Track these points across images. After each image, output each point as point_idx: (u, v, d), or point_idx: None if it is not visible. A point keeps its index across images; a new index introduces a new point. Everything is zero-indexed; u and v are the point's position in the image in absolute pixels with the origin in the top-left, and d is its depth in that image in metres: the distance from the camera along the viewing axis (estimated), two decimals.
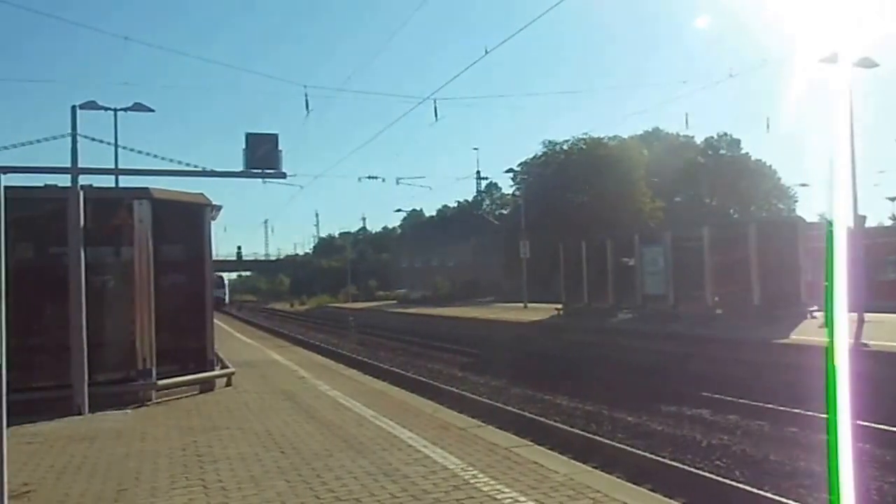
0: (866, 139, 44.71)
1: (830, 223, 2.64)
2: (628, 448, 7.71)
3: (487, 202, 72.41)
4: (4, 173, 4.29)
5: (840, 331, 2.19)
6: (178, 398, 8.47)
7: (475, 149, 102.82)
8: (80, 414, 7.39)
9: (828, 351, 2.08)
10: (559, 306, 22.92)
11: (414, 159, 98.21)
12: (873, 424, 7.79)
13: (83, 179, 7.72)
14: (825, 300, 2.20)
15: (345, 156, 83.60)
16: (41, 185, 8.32)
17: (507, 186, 60.48)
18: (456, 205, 71.06)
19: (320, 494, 4.47)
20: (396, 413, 7.24)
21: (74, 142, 7.40)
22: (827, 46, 14.15)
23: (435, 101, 16.00)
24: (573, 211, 35.20)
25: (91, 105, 17.45)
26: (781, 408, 9.30)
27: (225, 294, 57.69)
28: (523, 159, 43.44)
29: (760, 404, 9.65)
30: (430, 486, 4.55)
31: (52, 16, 25.61)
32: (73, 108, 7.75)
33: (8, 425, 4.08)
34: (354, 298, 53.44)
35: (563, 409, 10.78)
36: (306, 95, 19.44)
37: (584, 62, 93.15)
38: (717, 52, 69.54)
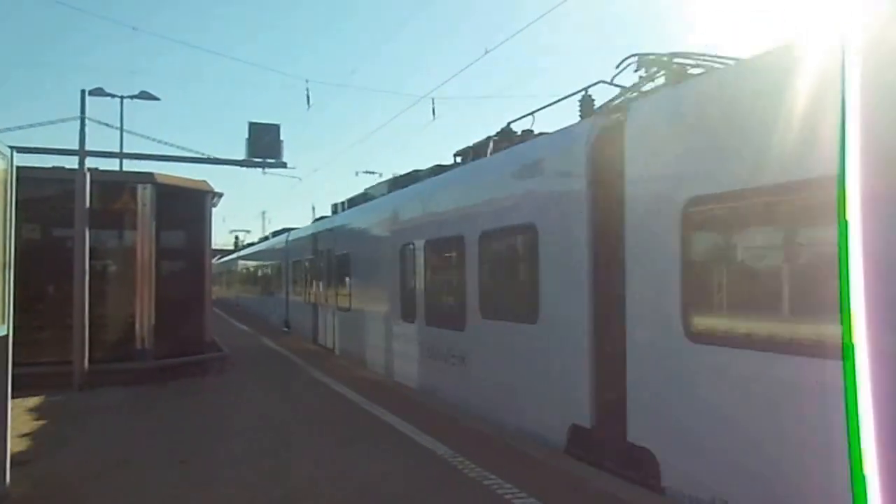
0: None
1: None
2: None
3: None
4: (18, 152, 4.50)
5: None
6: (174, 379, 8.67)
7: None
8: (80, 390, 7.63)
9: None
10: None
11: (411, 156, 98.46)
12: None
13: (89, 162, 7.90)
14: None
15: (343, 150, 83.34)
16: (48, 166, 8.49)
17: None
18: None
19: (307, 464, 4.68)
20: (373, 392, 7.42)
21: (83, 125, 7.59)
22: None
23: (433, 100, 16.17)
24: None
25: (98, 92, 17.55)
26: None
27: None
28: None
29: None
30: None
31: (61, 3, 25.39)
32: (83, 92, 7.92)
33: (12, 397, 4.30)
34: None
35: None
36: (307, 90, 19.41)
37: (581, 62, 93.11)
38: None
